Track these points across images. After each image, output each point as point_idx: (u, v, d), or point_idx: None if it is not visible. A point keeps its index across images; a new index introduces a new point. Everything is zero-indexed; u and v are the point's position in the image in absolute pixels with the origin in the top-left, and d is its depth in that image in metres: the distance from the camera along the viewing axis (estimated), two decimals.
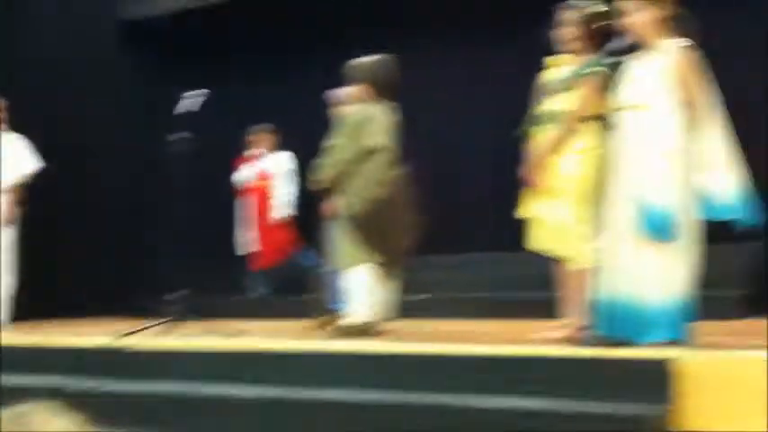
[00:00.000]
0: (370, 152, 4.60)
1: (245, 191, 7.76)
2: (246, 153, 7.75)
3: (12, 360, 4.45)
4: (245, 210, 7.75)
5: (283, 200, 7.55)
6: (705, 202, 3.49)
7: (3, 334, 5.48)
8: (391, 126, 4.69)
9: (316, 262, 5.49)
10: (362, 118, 4.63)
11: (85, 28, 8.31)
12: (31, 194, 6.48)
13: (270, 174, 7.66)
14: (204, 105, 5.37)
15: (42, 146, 6.60)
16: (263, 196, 7.66)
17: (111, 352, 4.33)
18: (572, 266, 3.96)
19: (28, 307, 6.37)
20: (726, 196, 3.47)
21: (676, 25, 3.58)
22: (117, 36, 8.59)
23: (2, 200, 6.26)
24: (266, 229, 7.58)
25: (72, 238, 7.77)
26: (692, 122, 3.49)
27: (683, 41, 3.55)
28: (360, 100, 4.76)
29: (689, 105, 3.49)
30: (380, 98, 4.72)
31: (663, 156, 3.46)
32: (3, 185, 6.26)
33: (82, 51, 8.14)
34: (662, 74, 3.52)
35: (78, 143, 7.84)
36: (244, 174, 7.75)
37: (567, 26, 4.01)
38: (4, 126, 6.38)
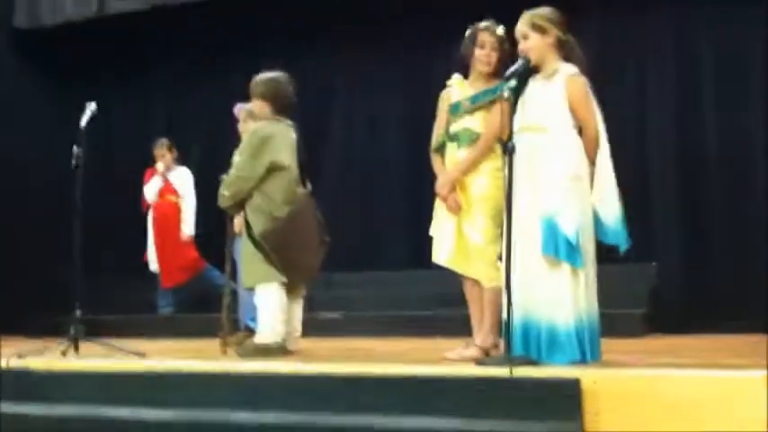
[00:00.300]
0: (273, 169, 4.56)
1: (152, 206, 7.58)
2: (155, 166, 7.58)
3: None
4: (152, 226, 7.57)
5: (190, 218, 7.42)
6: (598, 224, 3.66)
7: None
8: (293, 143, 4.65)
9: (222, 280, 5.39)
10: (264, 134, 4.58)
11: None
12: None
13: (173, 189, 7.51)
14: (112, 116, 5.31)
15: None
16: (167, 214, 7.51)
17: (8, 372, 4.14)
18: (483, 285, 3.98)
19: None
20: (612, 220, 3.65)
21: (567, 51, 3.77)
22: (13, 43, 8.36)
23: None
24: (172, 247, 7.42)
25: None
26: (586, 146, 3.67)
27: (575, 67, 3.74)
28: (262, 116, 4.71)
29: (583, 129, 3.67)
30: (280, 115, 4.69)
31: (566, 178, 3.59)
32: None
33: None
34: (557, 98, 3.68)
35: None
36: (150, 188, 7.58)
37: (487, 48, 4.05)
38: None
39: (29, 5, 8.29)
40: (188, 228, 7.40)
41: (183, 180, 7.53)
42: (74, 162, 4.80)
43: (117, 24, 8.08)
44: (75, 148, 4.80)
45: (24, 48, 8.41)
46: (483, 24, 4.10)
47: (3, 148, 8.01)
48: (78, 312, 4.70)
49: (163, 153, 7.50)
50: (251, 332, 5.19)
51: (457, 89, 4.16)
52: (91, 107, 4.99)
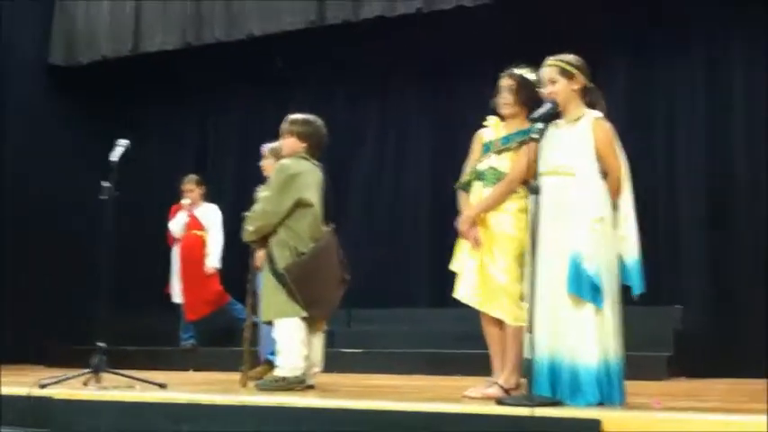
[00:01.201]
0: (299, 206, 4.60)
1: (178, 240, 7.65)
2: (181, 202, 7.65)
3: None
4: (177, 259, 7.63)
5: (215, 252, 7.45)
6: (622, 267, 3.70)
7: None
8: (320, 182, 4.71)
9: (244, 314, 5.41)
10: (294, 172, 4.63)
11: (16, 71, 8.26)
12: None
13: (199, 224, 7.56)
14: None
15: None
16: (193, 247, 7.53)
17: (30, 401, 4.18)
18: (505, 324, 3.97)
19: None
20: (629, 262, 3.70)
21: (592, 98, 3.85)
22: (47, 80, 8.52)
23: None
24: (197, 280, 7.44)
25: None
26: (610, 189, 3.72)
27: (599, 112, 3.81)
28: (291, 154, 4.76)
29: (608, 172, 3.72)
30: (311, 155, 4.74)
31: (592, 220, 3.62)
32: None
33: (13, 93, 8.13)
34: (584, 142, 3.72)
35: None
36: (176, 223, 7.64)
37: (504, 92, 4.12)
38: None
39: (65, 43, 8.46)
40: (213, 261, 7.44)
41: (210, 215, 7.56)
42: (103, 196, 4.86)
43: (151, 60, 8.22)
44: (104, 182, 4.85)
45: (60, 84, 8.56)
46: (506, 70, 4.15)
47: (39, 182, 8.17)
48: (101, 343, 4.72)
49: (191, 188, 7.56)
50: (271, 366, 5.20)
51: (492, 130, 4.20)
52: (123, 143, 5.06)
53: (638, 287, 3.69)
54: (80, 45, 8.40)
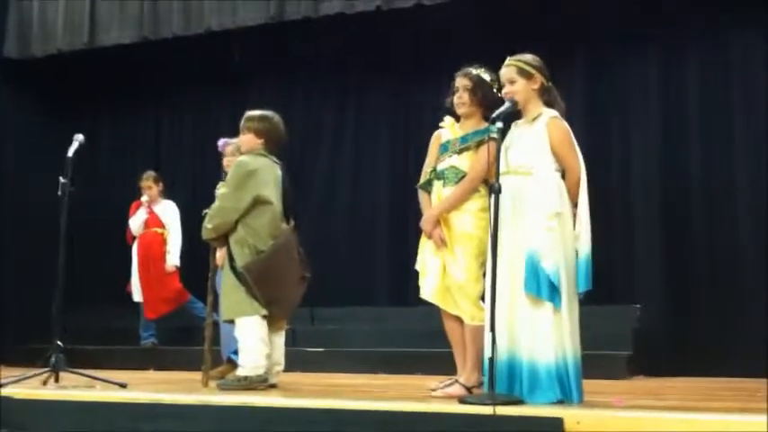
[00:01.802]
0: (258, 203, 4.58)
1: (137, 238, 7.59)
2: (141, 199, 7.57)
3: None
4: (137, 257, 7.56)
5: (175, 250, 7.41)
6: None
7: None
8: (278, 179, 4.69)
9: (204, 313, 5.37)
10: (251, 169, 4.61)
11: None
12: None
13: (158, 221, 7.52)
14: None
15: None
16: (151, 244, 7.49)
17: None
18: (466, 323, 3.99)
19: None
20: (581, 260, 3.70)
21: (550, 97, 3.89)
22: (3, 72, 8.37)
23: None
24: (156, 278, 7.40)
25: None
26: (569, 188, 3.75)
27: (556, 111, 3.85)
28: (249, 151, 4.74)
29: (565, 171, 3.76)
30: (269, 151, 4.73)
31: (548, 218, 3.66)
32: None
33: None
34: (540, 141, 3.76)
35: None
36: (135, 220, 7.59)
37: (460, 91, 4.15)
38: None
39: (19, 36, 8.32)
40: (173, 259, 7.39)
41: (169, 212, 7.53)
42: (60, 192, 4.80)
43: (107, 55, 8.12)
44: (61, 178, 4.80)
45: (14, 77, 8.41)
46: (462, 70, 4.18)
47: None
48: (59, 342, 4.66)
49: (149, 185, 7.51)
50: (233, 365, 5.17)
51: (448, 130, 4.23)
52: (78, 138, 5.01)
53: (583, 284, 3.68)
54: (35, 38, 8.24)
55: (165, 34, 7.77)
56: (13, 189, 8.14)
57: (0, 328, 7.71)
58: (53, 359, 4.61)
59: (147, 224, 7.51)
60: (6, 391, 4.18)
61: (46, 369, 4.61)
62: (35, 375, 4.58)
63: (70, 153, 4.92)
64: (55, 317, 4.79)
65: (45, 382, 4.53)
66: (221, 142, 5.65)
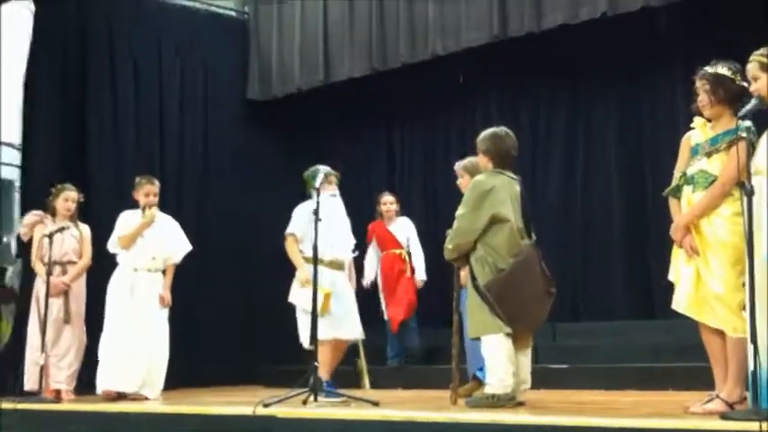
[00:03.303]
0: (495, 221, 4.61)
1: (382, 255, 7.74)
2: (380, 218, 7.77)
3: (159, 428, 4.62)
4: (382, 275, 7.72)
5: (421, 266, 7.56)
6: None
7: (156, 403, 5.89)
8: (516, 196, 4.69)
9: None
10: (486, 188, 4.65)
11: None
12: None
13: (394, 242, 7.66)
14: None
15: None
16: (392, 267, 7.63)
17: (254, 419, 4.42)
18: (726, 335, 3.79)
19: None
20: None
21: None
22: (244, 113, 9.05)
23: (163, 280, 6.48)
24: (400, 293, 7.55)
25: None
26: None
27: None
28: (484, 170, 4.80)
29: None
30: (502, 167, 4.75)
31: None
32: (160, 266, 6.47)
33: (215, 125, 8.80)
34: None
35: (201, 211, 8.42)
36: (375, 241, 7.74)
37: (700, 94, 3.99)
38: (155, 210, 6.50)
39: (261, 79, 8.95)
40: (421, 274, 7.55)
41: (410, 229, 7.68)
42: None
43: (340, 86, 8.51)
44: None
45: (256, 116, 9.06)
46: (701, 70, 4.01)
47: (245, 208, 8.69)
48: (316, 363, 4.92)
49: (390, 202, 7.72)
50: (479, 382, 5.23)
51: (699, 132, 4.06)
52: (323, 169, 5.29)
53: None
54: (276, 80, 8.84)
55: (393, 64, 8.06)
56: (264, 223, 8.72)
57: (256, 351, 8.30)
58: (311, 380, 4.87)
59: (391, 241, 7.66)
60: (271, 410, 4.48)
61: (305, 389, 4.87)
62: (296, 395, 4.83)
63: (317, 184, 5.21)
64: (311, 338, 5.04)
65: (305, 402, 4.79)
66: (456, 165, 5.74)
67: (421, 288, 7.61)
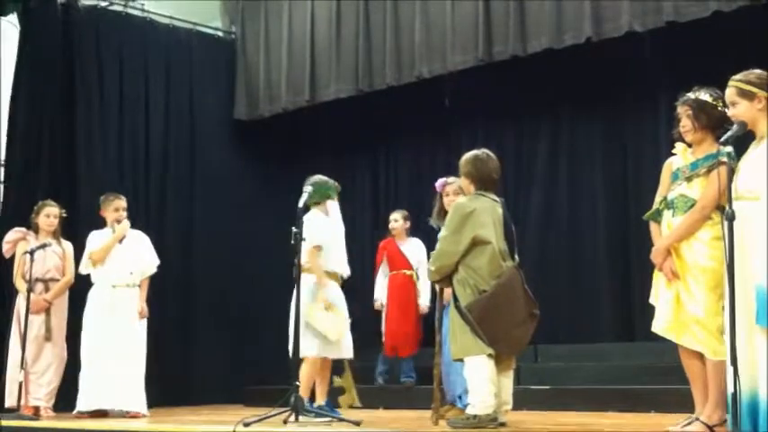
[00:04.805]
0: (476, 244, 4.61)
1: (388, 278, 7.45)
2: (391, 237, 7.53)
3: None
4: (389, 295, 7.40)
5: (427, 292, 7.18)
6: None
7: (134, 421, 5.89)
8: (498, 218, 4.71)
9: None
10: (468, 211, 4.66)
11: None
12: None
13: (405, 263, 7.39)
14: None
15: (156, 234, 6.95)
16: (402, 284, 7.35)
17: None
18: (706, 358, 3.82)
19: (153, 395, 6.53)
20: None
21: None
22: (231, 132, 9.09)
23: (138, 295, 6.45)
24: (406, 319, 7.24)
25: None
26: None
27: None
28: (467, 193, 4.83)
29: None
30: (485, 190, 4.77)
31: None
32: (137, 280, 6.46)
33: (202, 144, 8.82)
34: (764, 163, 3.52)
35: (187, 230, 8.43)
36: (386, 259, 7.48)
37: (682, 119, 4.04)
38: (128, 223, 6.53)
39: (247, 99, 8.99)
40: (425, 300, 7.22)
41: (419, 252, 7.33)
42: (292, 241, 5.07)
43: (325, 107, 8.56)
44: (293, 228, 5.06)
45: (242, 136, 9.09)
46: (681, 96, 4.07)
47: (231, 227, 8.71)
48: (297, 383, 4.91)
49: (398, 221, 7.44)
50: (456, 405, 5.22)
51: (680, 157, 4.11)
52: (308, 190, 5.31)
53: None
54: (262, 100, 8.90)
55: (379, 86, 8.11)
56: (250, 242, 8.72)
57: (242, 372, 8.27)
58: (293, 399, 4.85)
59: (399, 263, 7.36)
60: (252, 430, 4.47)
61: (286, 408, 4.85)
62: (277, 414, 4.80)
63: (301, 204, 5.22)
64: (292, 359, 5.04)
65: (285, 421, 4.76)
66: (439, 183, 5.75)
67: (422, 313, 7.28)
